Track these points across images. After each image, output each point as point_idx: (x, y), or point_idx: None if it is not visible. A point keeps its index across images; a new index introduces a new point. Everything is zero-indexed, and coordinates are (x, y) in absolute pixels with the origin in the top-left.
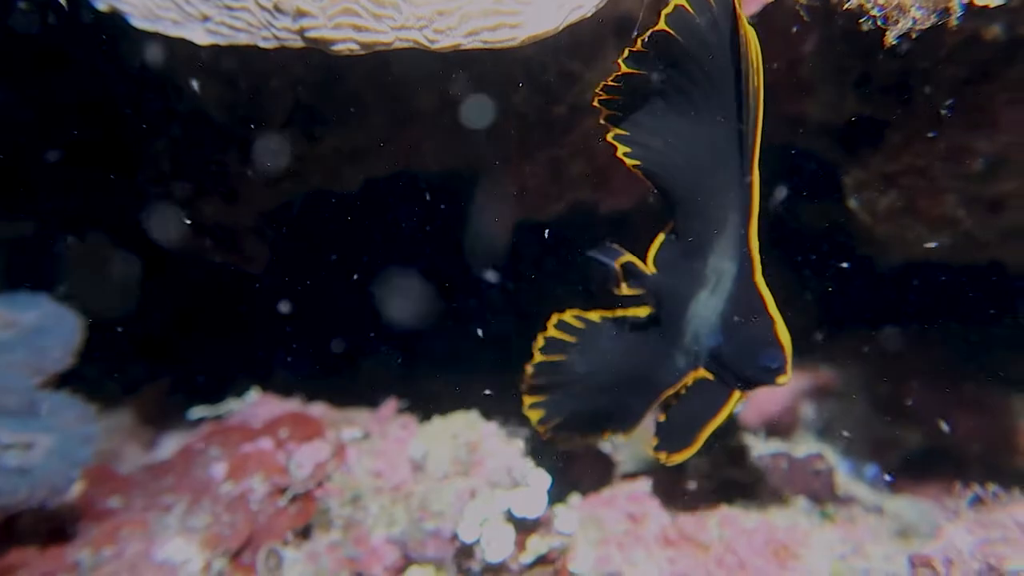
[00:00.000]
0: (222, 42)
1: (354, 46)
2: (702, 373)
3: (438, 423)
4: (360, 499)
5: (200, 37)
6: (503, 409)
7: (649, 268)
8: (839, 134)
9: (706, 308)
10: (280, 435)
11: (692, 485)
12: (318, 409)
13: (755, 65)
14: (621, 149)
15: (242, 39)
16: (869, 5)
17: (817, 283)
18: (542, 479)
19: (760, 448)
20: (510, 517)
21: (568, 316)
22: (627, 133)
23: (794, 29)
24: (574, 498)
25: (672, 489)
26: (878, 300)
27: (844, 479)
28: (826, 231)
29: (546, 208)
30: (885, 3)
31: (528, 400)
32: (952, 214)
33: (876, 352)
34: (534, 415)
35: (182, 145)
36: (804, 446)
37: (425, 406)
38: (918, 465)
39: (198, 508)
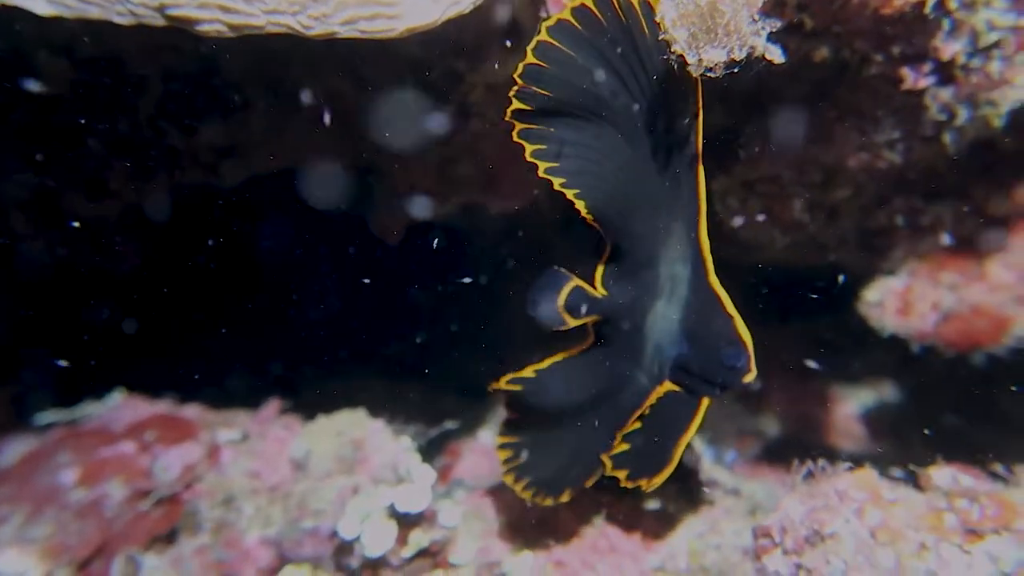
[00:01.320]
0: (67, 14)
1: (222, 28)
2: (667, 387)
3: (323, 422)
4: (233, 500)
5: (41, 7)
6: (391, 407)
7: (599, 291)
8: (708, 145)
9: (665, 318)
10: (145, 438)
11: None
12: (192, 411)
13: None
14: (557, 182)
15: (93, 13)
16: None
17: None
18: (427, 474)
19: None
20: (393, 513)
21: (525, 372)
22: (548, 154)
23: None
24: (460, 492)
25: None
26: (741, 299)
27: (708, 465)
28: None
29: (435, 209)
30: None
31: (505, 464)
32: (799, 219)
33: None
34: (515, 484)
35: (34, 133)
36: None
37: (312, 407)
38: (774, 451)
39: (40, 517)
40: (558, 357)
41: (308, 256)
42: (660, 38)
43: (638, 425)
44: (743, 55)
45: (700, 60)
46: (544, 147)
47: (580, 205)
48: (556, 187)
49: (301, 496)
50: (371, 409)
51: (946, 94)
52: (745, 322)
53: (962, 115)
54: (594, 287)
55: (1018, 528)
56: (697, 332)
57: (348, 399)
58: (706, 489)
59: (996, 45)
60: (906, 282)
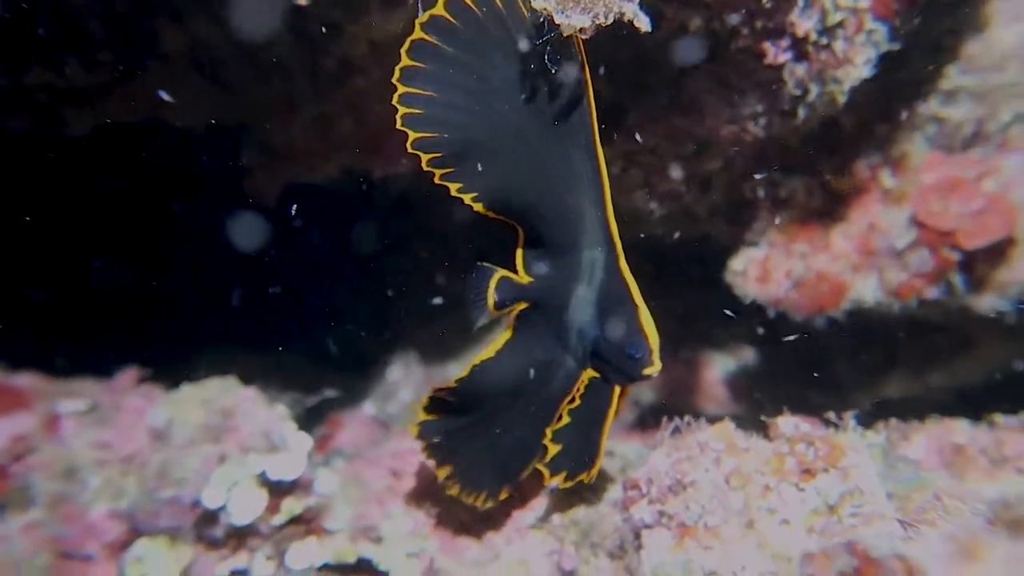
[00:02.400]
0: None
1: None
2: (589, 373)
3: (189, 390)
4: (76, 472)
5: None
6: (266, 375)
7: (524, 277)
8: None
9: (584, 301)
10: None
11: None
12: (24, 380)
13: (577, 41)
14: (454, 187)
15: None
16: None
17: None
18: (303, 442)
19: None
20: (264, 481)
21: (448, 384)
22: (443, 158)
23: None
24: (338, 461)
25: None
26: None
27: None
28: None
29: (315, 169)
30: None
31: (429, 459)
32: (676, 189)
33: None
34: (442, 474)
35: None
36: None
37: (177, 377)
38: (648, 417)
39: None
40: (478, 360)
41: (170, 218)
42: (532, 3)
43: (567, 420)
44: (609, 20)
45: (569, 23)
46: (440, 154)
47: (479, 208)
48: (454, 193)
49: (160, 466)
50: (244, 378)
51: (800, 70)
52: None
53: (813, 91)
54: (516, 273)
55: (842, 465)
56: (608, 319)
57: (220, 369)
58: None
59: (840, 25)
60: (766, 252)
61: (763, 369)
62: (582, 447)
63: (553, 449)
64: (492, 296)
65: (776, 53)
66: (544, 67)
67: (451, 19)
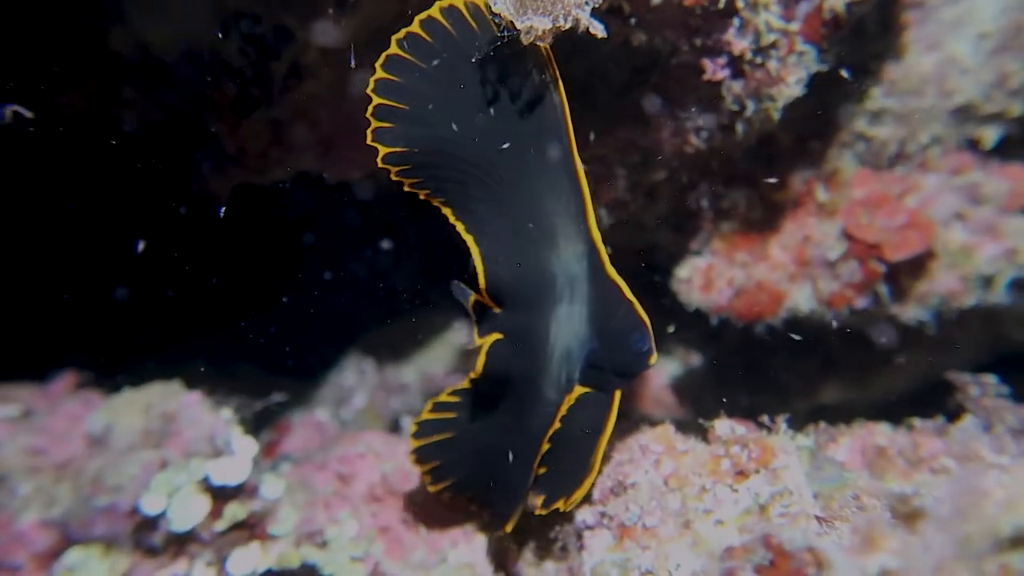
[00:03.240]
0: None
1: None
2: (578, 391)
3: (129, 395)
4: (5, 480)
5: None
6: (212, 380)
7: (493, 306)
8: None
9: (570, 320)
10: None
11: (404, 447)
12: None
13: (546, 54)
14: (421, 193)
15: None
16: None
17: None
18: (248, 446)
19: None
20: (208, 486)
21: (443, 396)
22: (412, 170)
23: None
24: (285, 466)
25: (386, 449)
26: None
27: None
28: None
29: (267, 173)
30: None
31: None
32: (623, 198)
33: None
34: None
35: None
36: None
37: (117, 382)
38: None
39: None
40: (445, 398)
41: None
42: (493, 8)
43: (548, 446)
44: (568, 24)
45: (529, 27)
46: (408, 166)
47: (448, 213)
48: (422, 197)
49: (96, 472)
50: (188, 382)
51: (737, 86)
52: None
53: (750, 107)
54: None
55: (773, 466)
56: (604, 326)
57: (164, 375)
58: None
59: (773, 45)
60: (709, 261)
61: (707, 374)
62: (569, 467)
63: (539, 471)
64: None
65: (714, 69)
66: (513, 77)
67: (426, 36)
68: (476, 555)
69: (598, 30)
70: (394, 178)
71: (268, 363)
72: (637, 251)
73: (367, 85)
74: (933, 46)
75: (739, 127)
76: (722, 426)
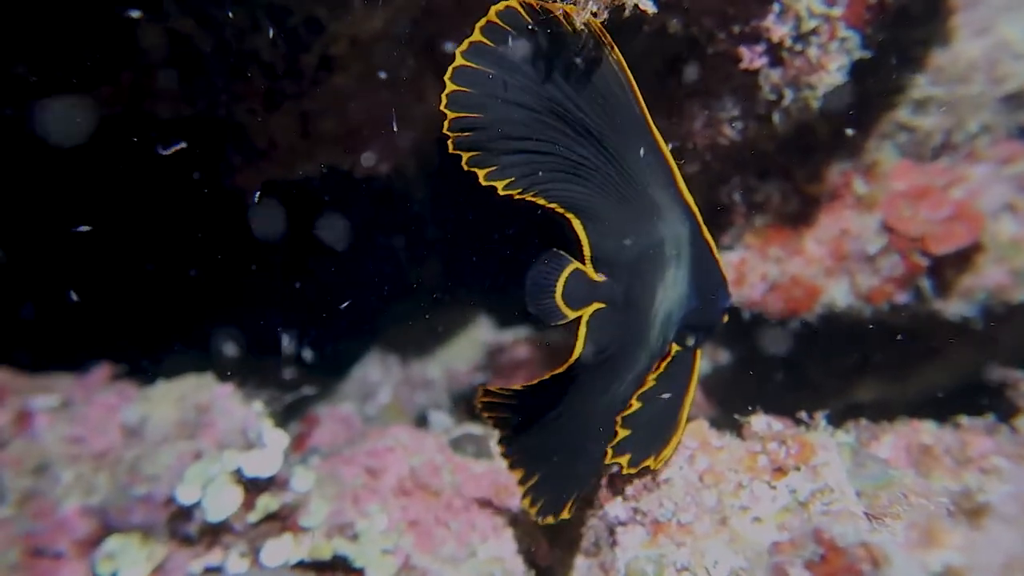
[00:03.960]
0: None
1: None
2: (673, 349)
3: (164, 387)
4: (47, 468)
5: None
6: (243, 372)
7: (597, 276)
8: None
9: (675, 284)
10: None
11: (432, 441)
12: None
13: (605, 37)
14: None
15: None
16: None
17: None
18: (279, 439)
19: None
20: (240, 478)
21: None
22: (503, 172)
23: None
24: (315, 459)
25: (414, 443)
26: None
27: None
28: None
29: (296, 166)
30: None
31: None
32: None
33: None
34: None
35: None
36: None
37: (152, 374)
38: None
39: None
40: (548, 375)
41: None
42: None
43: (638, 406)
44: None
45: None
46: (495, 167)
47: (542, 201)
48: (517, 196)
49: (133, 462)
50: (221, 374)
51: (776, 75)
52: None
53: (788, 96)
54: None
55: (813, 463)
56: (702, 284)
57: (198, 368)
58: None
59: (814, 31)
60: (741, 255)
61: (738, 371)
62: (654, 427)
63: (623, 434)
64: (560, 292)
65: (752, 58)
66: (579, 67)
67: (488, 42)
68: (506, 549)
69: (648, 6)
70: (502, 192)
71: (295, 357)
72: None
73: (440, 101)
74: (983, 31)
75: (776, 117)
76: (759, 422)
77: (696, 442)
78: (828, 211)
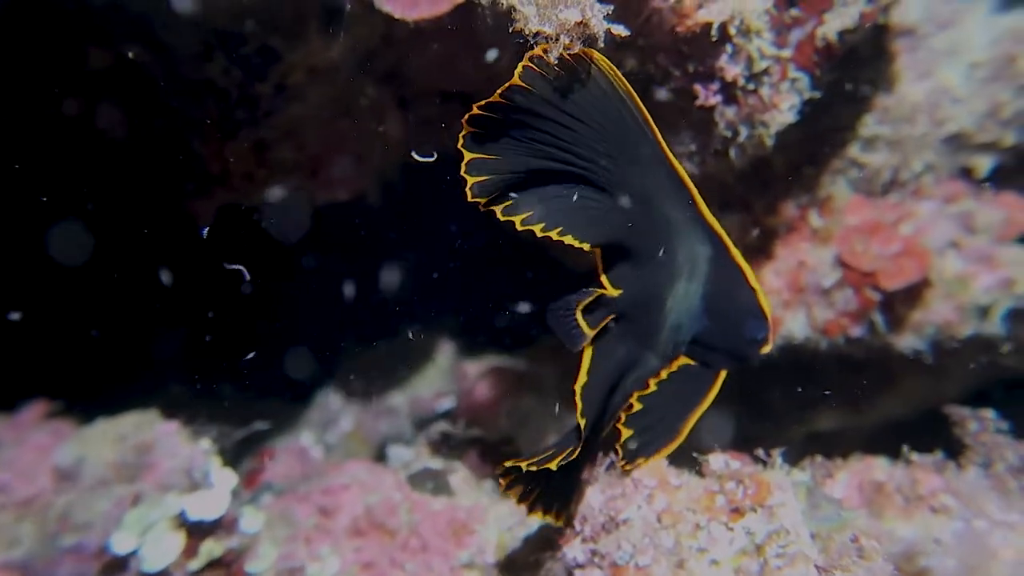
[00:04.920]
0: None
1: None
2: (682, 361)
3: (102, 425)
4: None
5: None
6: (192, 408)
7: (612, 292)
8: None
9: (686, 297)
10: None
11: (390, 477)
12: None
13: (607, 66)
14: (538, 228)
15: None
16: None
17: None
18: (227, 478)
19: (458, 436)
20: (183, 522)
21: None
22: (520, 207)
23: None
24: (267, 497)
25: (371, 479)
26: None
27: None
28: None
29: (253, 194)
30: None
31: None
32: None
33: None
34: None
35: None
36: (496, 433)
37: (91, 411)
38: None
39: None
40: (579, 386)
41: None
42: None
43: (639, 406)
44: (593, 16)
45: (562, 21)
46: (513, 202)
47: (572, 241)
48: (540, 233)
49: (64, 509)
50: (166, 410)
51: (730, 112)
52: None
53: (743, 133)
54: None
55: (769, 504)
56: (720, 306)
57: (143, 404)
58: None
59: (766, 72)
60: None
61: None
62: (656, 430)
63: (625, 434)
64: (583, 321)
65: (707, 95)
66: (590, 100)
67: (504, 102)
68: None
69: (620, 29)
70: (521, 228)
71: (253, 385)
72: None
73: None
74: (925, 74)
75: (732, 152)
76: (716, 460)
77: (655, 480)
78: (786, 243)
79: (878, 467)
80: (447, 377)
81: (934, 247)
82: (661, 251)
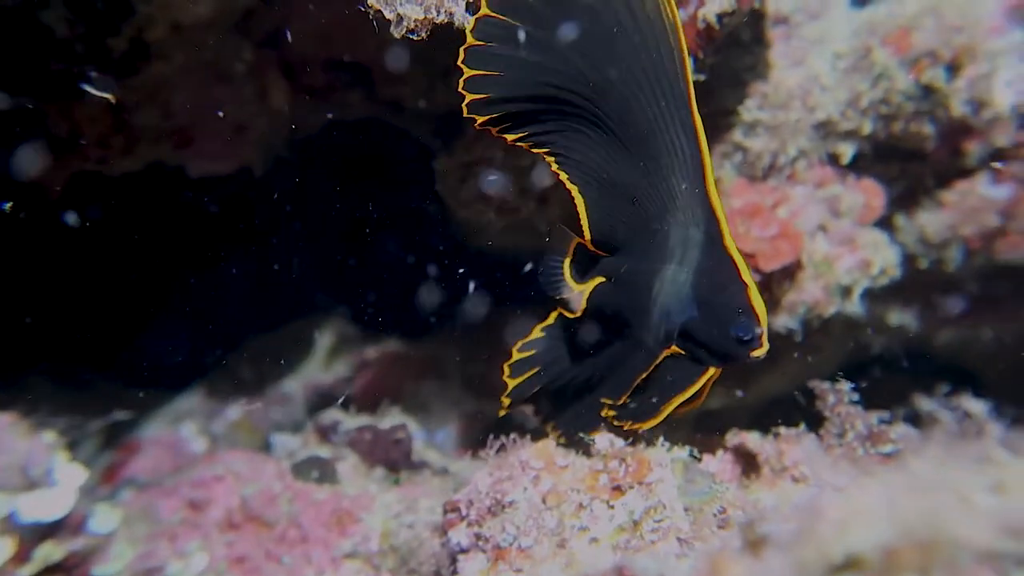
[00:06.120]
0: None
1: None
2: (674, 350)
3: None
4: None
5: None
6: (33, 398)
7: (598, 252)
8: (437, 123)
9: (674, 282)
10: None
11: (271, 467)
12: None
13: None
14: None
15: None
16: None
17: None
18: (74, 474)
19: (349, 423)
20: (13, 525)
21: (534, 332)
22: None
23: None
24: (128, 493)
25: (249, 470)
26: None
27: (420, 446)
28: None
29: (111, 162)
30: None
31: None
32: (515, 203)
33: (466, 334)
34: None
35: None
36: (390, 419)
37: None
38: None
39: None
40: (533, 335)
41: None
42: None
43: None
44: (441, 18)
45: (399, 16)
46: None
47: (552, 163)
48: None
49: None
50: (2, 401)
51: None
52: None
53: None
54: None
55: (648, 480)
56: (708, 299)
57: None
58: (412, 469)
59: None
60: None
61: None
62: (642, 405)
63: (609, 415)
64: (569, 271)
65: None
66: (622, 16)
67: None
68: None
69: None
70: (478, 127)
71: (126, 374)
72: (528, 252)
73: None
74: (798, 62)
75: None
76: (602, 440)
77: (541, 462)
78: None
79: (751, 441)
80: (345, 361)
81: (806, 230)
82: (656, 226)
